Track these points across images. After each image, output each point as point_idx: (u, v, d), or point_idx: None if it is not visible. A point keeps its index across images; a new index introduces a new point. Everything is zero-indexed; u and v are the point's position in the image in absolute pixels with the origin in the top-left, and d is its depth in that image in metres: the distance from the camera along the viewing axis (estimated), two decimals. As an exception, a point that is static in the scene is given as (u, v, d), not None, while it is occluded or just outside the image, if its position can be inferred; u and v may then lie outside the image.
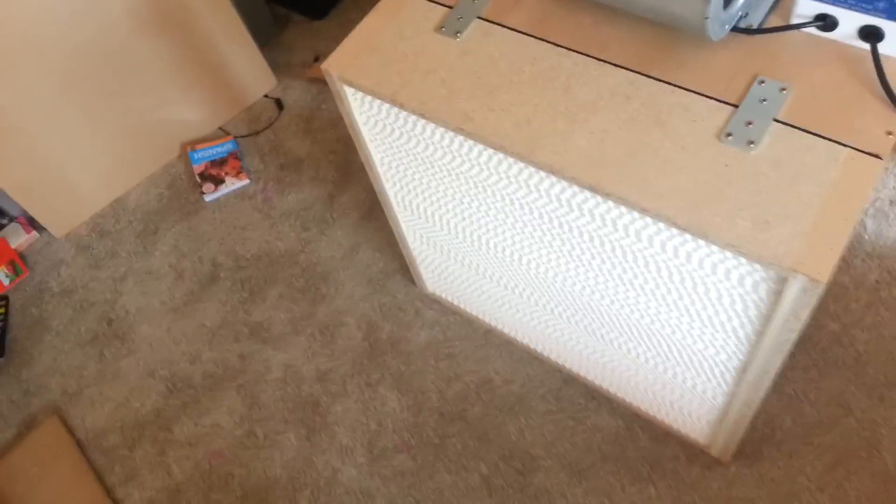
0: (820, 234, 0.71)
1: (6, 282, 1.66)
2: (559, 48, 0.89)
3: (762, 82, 0.80)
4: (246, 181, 1.70)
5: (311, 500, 1.30)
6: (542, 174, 0.86)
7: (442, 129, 0.91)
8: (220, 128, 1.80)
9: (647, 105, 0.82)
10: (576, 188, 0.84)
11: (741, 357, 0.92)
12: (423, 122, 0.93)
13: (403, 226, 1.26)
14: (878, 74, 0.77)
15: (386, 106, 0.95)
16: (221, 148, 1.74)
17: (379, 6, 0.98)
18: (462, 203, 1.05)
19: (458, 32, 0.92)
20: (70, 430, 1.46)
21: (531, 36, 0.90)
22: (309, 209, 1.64)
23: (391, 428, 1.35)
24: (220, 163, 1.72)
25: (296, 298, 1.53)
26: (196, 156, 1.73)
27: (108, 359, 1.53)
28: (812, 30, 0.82)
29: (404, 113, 0.94)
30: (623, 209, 0.81)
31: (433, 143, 0.96)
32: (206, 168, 1.71)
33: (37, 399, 1.51)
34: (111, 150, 1.67)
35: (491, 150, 0.88)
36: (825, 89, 0.79)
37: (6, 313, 1.62)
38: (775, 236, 0.72)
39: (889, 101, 0.76)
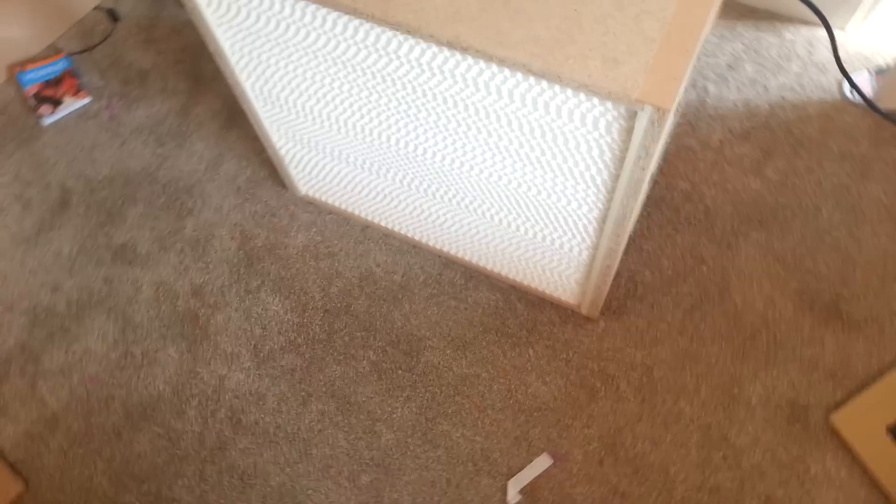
0: (663, 67, 0.76)
1: None
2: None
3: (602, -70, 0.83)
4: (87, 99, 1.57)
5: (200, 408, 1.28)
6: (400, 37, 0.85)
7: (292, 0, 0.88)
8: (51, 45, 1.65)
9: (496, -42, 0.83)
10: (434, 48, 0.84)
11: (600, 206, 0.98)
12: (271, -7, 0.89)
13: (266, 123, 1.22)
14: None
15: (230, -20, 0.90)
16: (55, 66, 1.59)
17: None
18: (323, 86, 1.03)
19: None
20: (-79, 381, 1.34)
21: None
22: (161, 123, 1.55)
23: (276, 330, 1.34)
24: (55, 83, 1.58)
25: (159, 216, 1.46)
26: (26, 77, 1.58)
27: (-46, 302, 1.41)
28: None
29: (251, -15, 0.89)
30: (482, 64, 0.83)
31: (285, 18, 0.92)
32: (41, 89, 1.57)
33: None
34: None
35: (346, 17, 0.87)
36: (659, -67, 0.82)
37: None
38: (623, 73, 0.76)
39: (715, -60, 0.80)
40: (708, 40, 1.53)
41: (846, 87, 1.47)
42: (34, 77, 1.58)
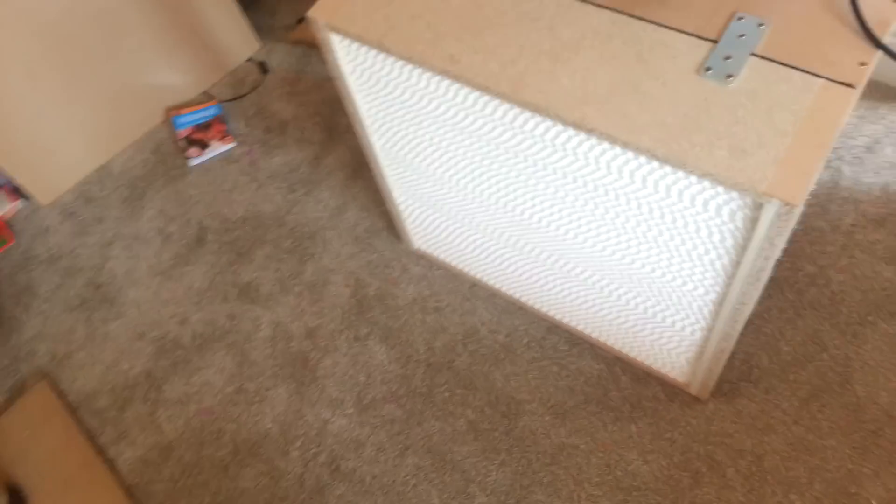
0: (794, 161, 0.74)
1: (-9, 249, 1.66)
2: (541, -9, 0.91)
3: (741, 18, 0.83)
4: (231, 144, 1.70)
5: (303, 449, 1.33)
6: (528, 114, 0.88)
7: (429, 74, 0.93)
8: (205, 92, 1.80)
9: (628, 43, 0.85)
10: (560, 126, 0.86)
11: (718, 290, 0.96)
12: (409, 67, 0.94)
13: (390, 180, 1.28)
14: (853, 7, 0.80)
15: (373, 53, 0.97)
16: (206, 112, 1.74)
17: (363, -45, 0.99)
18: (448, 151, 1.07)
19: (441, -22, 0.94)
20: (60, 394, 1.47)
21: (514, -20, 0.92)
22: (295, 171, 1.65)
23: (380, 380, 1.38)
24: (204, 127, 1.72)
25: (283, 258, 1.54)
26: (180, 121, 1.73)
27: (96, 323, 1.54)
28: (785, -32, 0.84)
29: (391, 59, 0.95)
30: (606, 145, 0.84)
31: (420, 89, 0.97)
32: (191, 133, 1.71)
33: (26, 364, 1.52)
34: (95, 117, 1.67)
35: (477, 93, 0.91)
36: (801, 23, 0.82)
37: (-8, 280, 1.62)
38: (751, 164, 0.75)
39: (863, 34, 0.79)
40: (847, 121, 1.48)
41: None
42: (187, 121, 1.73)
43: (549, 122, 0.87)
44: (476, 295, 1.44)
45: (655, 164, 0.82)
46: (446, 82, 0.93)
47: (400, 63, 0.95)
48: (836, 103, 0.77)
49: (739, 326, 1.00)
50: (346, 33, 0.94)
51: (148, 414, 1.42)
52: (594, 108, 0.82)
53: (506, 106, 0.90)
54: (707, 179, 0.78)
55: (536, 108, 0.84)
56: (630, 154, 0.83)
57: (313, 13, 0.96)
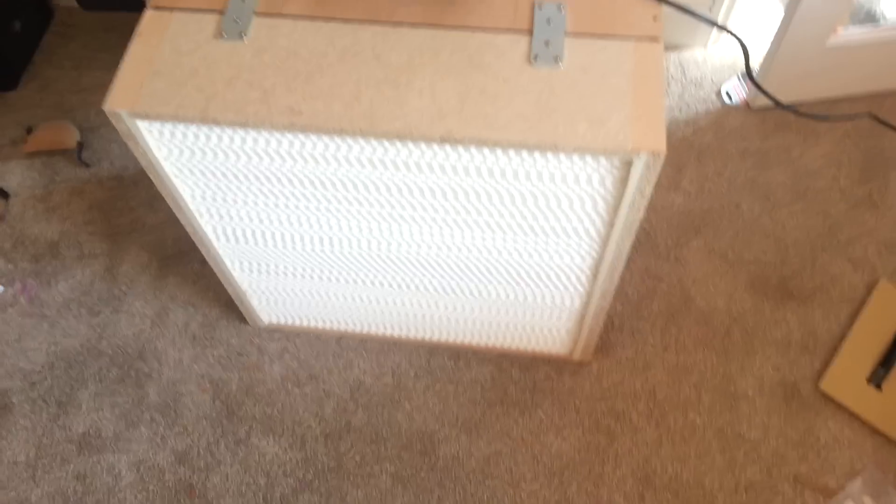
0: (644, 115, 0.82)
1: None
2: (351, 23, 0.89)
3: (541, 7, 0.89)
4: (-4, 289, 1.44)
5: (232, 580, 1.17)
6: (386, 145, 0.86)
7: (266, 134, 0.87)
8: (-66, 242, 1.51)
9: (456, 52, 0.87)
10: (422, 148, 0.86)
11: (594, 255, 1.03)
12: (242, 133, 0.88)
13: (227, 260, 1.17)
14: (629, -24, 0.90)
15: (192, 129, 0.88)
16: (-54, 264, 1.45)
17: (140, 30, 0.90)
18: (296, 208, 1.02)
19: (241, 33, 0.88)
20: None
21: (318, 18, 0.90)
22: (88, 292, 1.44)
23: (281, 473, 1.26)
24: (-49, 281, 1.43)
25: (116, 390, 1.34)
26: (-83, 283, 1.42)
27: None
28: (562, -46, 0.92)
29: (217, 130, 0.88)
30: (473, 151, 0.85)
31: (256, 152, 0.91)
32: (-63, 292, 1.42)
33: None
34: None
35: (325, 139, 0.87)
36: (593, 1, 0.90)
37: None
38: (612, 129, 0.81)
39: (644, -4, 0.89)
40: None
41: (724, 93, 1.64)
42: (-75, 282, 1.43)
43: (409, 147, 0.86)
44: (346, 347, 1.37)
45: (523, 154, 0.85)
46: (289, 137, 0.88)
47: (230, 131, 0.88)
48: (651, 56, 0.86)
49: (616, 281, 1.08)
50: (159, 116, 0.85)
51: None
52: (455, 120, 0.83)
53: (359, 145, 0.87)
54: (578, 154, 0.82)
55: (398, 136, 0.83)
56: (499, 152, 0.85)
57: (110, 105, 0.85)
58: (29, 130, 1.61)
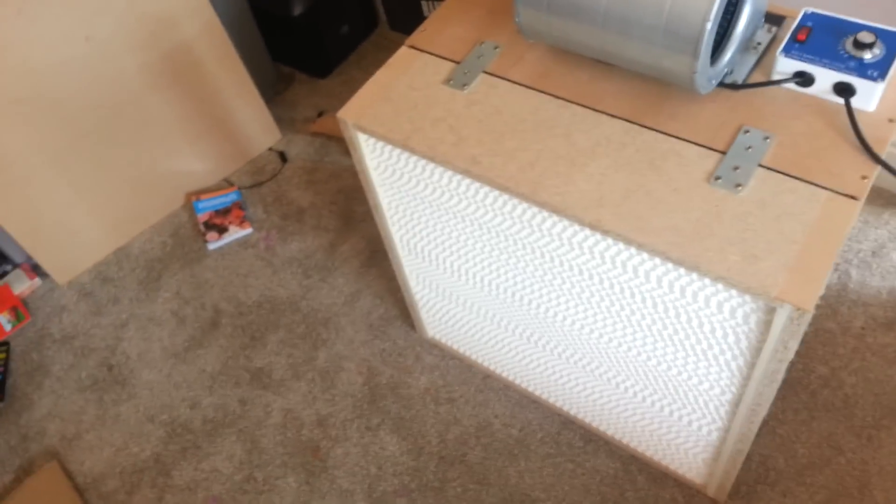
0: (803, 267, 0.77)
1: (8, 327, 1.67)
2: (559, 100, 0.96)
3: (747, 132, 0.87)
4: (249, 230, 1.75)
5: (312, 542, 1.30)
6: (545, 213, 0.91)
7: (450, 173, 0.97)
8: (225, 179, 1.86)
9: (641, 151, 0.89)
10: (577, 226, 0.89)
11: (734, 390, 0.96)
12: (432, 166, 0.99)
13: (407, 270, 1.30)
14: (852, 125, 0.84)
15: (397, 151, 1.01)
16: (225, 198, 1.79)
17: (391, 61, 1.05)
18: (466, 245, 1.11)
19: (464, 85, 1.00)
20: (69, 475, 1.45)
21: (533, 89, 0.98)
22: (310, 257, 1.68)
23: (391, 472, 1.36)
24: (223, 212, 1.77)
25: (296, 344, 1.56)
26: (200, 205, 1.78)
27: (107, 404, 1.54)
28: (791, 85, 0.89)
29: (415, 157, 1.00)
30: (622, 246, 0.87)
31: (441, 186, 1.01)
32: (210, 217, 1.76)
33: (35, 444, 1.51)
34: (117, 200, 1.72)
35: (497, 192, 0.94)
36: (805, 138, 0.86)
37: (7, 359, 1.63)
38: (763, 269, 0.77)
39: (863, 149, 0.83)
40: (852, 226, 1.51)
41: None
42: (207, 206, 1.78)
43: (565, 222, 0.90)
44: (489, 387, 1.44)
45: (670, 265, 0.84)
46: (467, 181, 0.97)
47: (423, 162, 0.99)
48: (840, 213, 0.80)
49: (755, 427, 1.00)
50: (372, 133, 0.99)
51: (156, 500, 1.40)
52: (609, 211, 0.85)
53: (524, 205, 0.93)
54: (720, 283, 0.80)
55: (554, 209, 0.87)
56: (645, 255, 0.86)
57: (342, 114, 1.01)
58: (320, 114, 1.91)
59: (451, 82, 1.01)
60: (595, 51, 0.91)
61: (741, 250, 0.79)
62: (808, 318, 0.75)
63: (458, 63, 1.03)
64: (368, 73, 2.03)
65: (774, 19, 0.96)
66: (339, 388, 1.48)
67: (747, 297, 0.80)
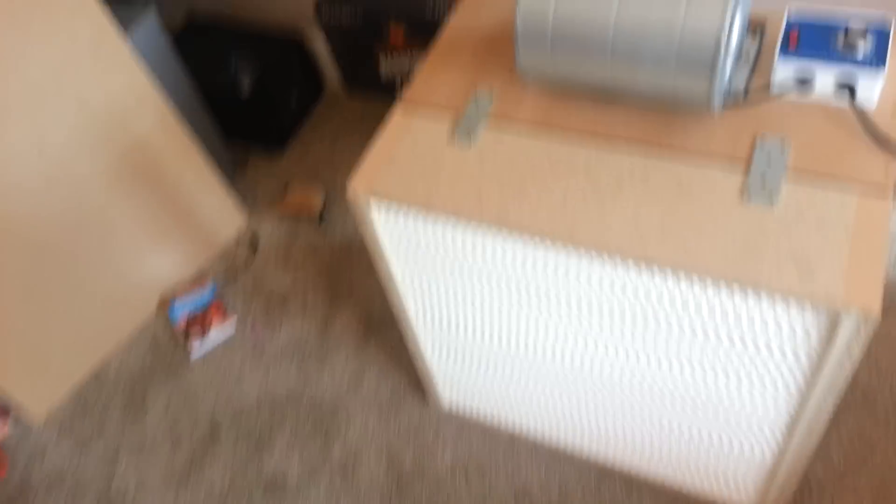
0: (859, 272, 0.76)
1: (-21, 479, 1.52)
2: (571, 139, 0.95)
3: (763, 143, 0.88)
4: (232, 328, 1.66)
5: None
6: (583, 261, 0.89)
7: (474, 231, 0.95)
8: (196, 274, 1.78)
9: (667, 179, 0.88)
10: (617, 268, 0.87)
11: (791, 411, 0.95)
12: (453, 227, 0.96)
13: (422, 340, 1.25)
14: (863, 123, 0.86)
15: (413, 217, 0.98)
16: (202, 295, 1.70)
17: (388, 125, 1.03)
18: (492, 307, 1.07)
19: (470, 137, 0.98)
20: None
21: (540, 131, 0.97)
22: (303, 344, 1.61)
23: (434, 559, 1.28)
24: (202, 313, 1.68)
25: (306, 443, 1.47)
26: (177, 308, 1.69)
27: (106, 544, 1.41)
28: (793, 94, 0.91)
29: (434, 223, 0.97)
30: (669, 280, 0.85)
31: (465, 247, 0.98)
32: (189, 321, 1.67)
33: None
34: (87, 318, 1.61)
35: (527, 247, 0.92)
36: (820, 142, 0.87)
37: (-17, 514, 1.48)
38: (822, 279, 0.77)
39: (878, 146, 0.85)
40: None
41: None
42: (183, 307, 1.68)
43: (604, 266, 0.88)
44: (518, 449, 1.38)
45: (722, 291, 0.83)
46: (492, 239, 0.94)
47: (443, 225, 0.96)
48: (877, 213, 0.80)
49: (814, 443, 0.98)
50: (389, 199, 0.96)
51: None
52: (654, 244, 0.83)
53: (557, 256, 0.91)
54: (782, 299, 0.79)
55: (595, 248, 0.85)
56: (694, 286, 0.84)
57: (354, 186, 0.97)
58: (285, 186, 1.87)
59: (457, 136, 0.99)
60: (602, 84, 0.91)
61: (795, 263, 0.79)
62: (874, 322, 0.75)
63: (457, 114, 1.01)
64: (326, 139, 2.00)
65: (755, 25, 0.98)
66: (362, 483, 1.39)
67: (807, 312, 0.79)
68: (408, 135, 1.01)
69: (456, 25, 1.14)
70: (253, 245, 1.80)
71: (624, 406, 1.13)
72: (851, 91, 0.87)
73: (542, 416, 1.29)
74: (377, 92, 1.99)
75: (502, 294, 1.03)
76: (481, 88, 1.03)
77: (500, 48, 1.08)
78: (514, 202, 0.91)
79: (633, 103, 0.97)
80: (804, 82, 0.89)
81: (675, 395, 1.04)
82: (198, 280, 1.77)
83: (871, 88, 0.86)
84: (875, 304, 0.74)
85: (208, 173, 1.72)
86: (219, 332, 1.65)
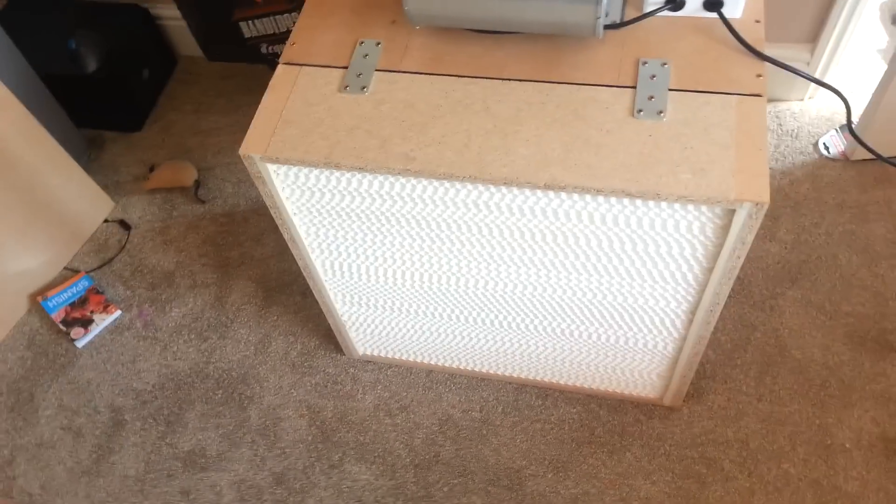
0: (747, 167, 0.84)
1: None
2: (464, 78, 0.96)
3: (645, 63, 0.94)
4: (117, 313, 1.56)
5: None
6: (493, 189, 0.92)
7: (381, 178, 0.94)
8: (67, 267, 1.65)
9: (562, 106, 0.92)
10: (527, 192, 0.91)
11: (690, 300, 1.04)
12: (359, 176, 0.95)
13: (332, 293, 1.24)
14: (732, 33, 0.93)
15: (315, 172, 0.96)
16: (76, 287, 1.58)
17: (272, 84, 0.99)
18: (403, 247, 1.08)
19: (363, 87, 0.96)
20: None
21: (433, 74, 0.97)
22: (199, 318, 1.55)
23: (372, 499, 1.31)
24: (80, 303, 1.56)
25: (220, 412, 1.43)
26: (50, 304, 1.56)
27: (19, 557, 1.32)
28: (665, 12, 0.97)
29: (337, 173, 0.95)
30: (576, 197, 0.90)
31: (371, 193, 0.98)
32: (67, 313, 1.55)
33: None
34: (-53, 327, 1.46)
35: (436, 182, 0.93)
36: (695, 56, 0.94)
37: None
38: (715, 178, 0.84)
39: (748, 52, 0.92)
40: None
41: (821, 146, 1.63)
42: (57, 302, 1.56)
43: (514, 191, 0.91)
44: (436, 381, 1.42)
45: (626, 202, 0.89)
46: (401, 181, 0.94)
47: (349, 175, 0.95)
48: (754, 111, 0.89)
49: (710, 329, 1.09)
50: (286, 160, 0.93)
51: None
52: (559, 168, 0.87)
53: (467, 188, 0.93)
54: (681, 202, 0.85)
55: (505, 181, 0.88)
56: (600, 199, 0.89)
57: (245, 150, 0.94)
58: (151, 168, 1.75)
59: (348, 88, 0.97)
60: (491, 19, 0.92)
61: (689, 168, 0.85)
62: (765, 210, 0.83)
63: (345, 68, 0.99)
64: (188, 109, 1.88)
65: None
66: (286, 439, 1.39)
67: (704, 209, 0.87)
68: (296, 92, 0.98)
69: (325, -33, 1.10)
70: (124, 227, 1.68)
71: (535, 322, 1.19)
72: (719, 4, 0.94)
73: (457, 347, 1.33)
74: (242, 56, 1.87)
75: (412, 232, 1.04)
76: (366, 41, 1.01)
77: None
78: (418, 145, 0.91)
79: (519, 42, 0.98)
80: (675, 2, 0.95)
81: (584, 305, 1.11)
82: (71, 272, 1.64)
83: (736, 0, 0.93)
84: (764, 195, 0.82)
85: (64, 159, 1.57)
86: (102, 317, 1.55)
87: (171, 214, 1.70)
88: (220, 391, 1.45)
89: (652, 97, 0.91)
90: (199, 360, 1.50)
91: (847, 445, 1.29)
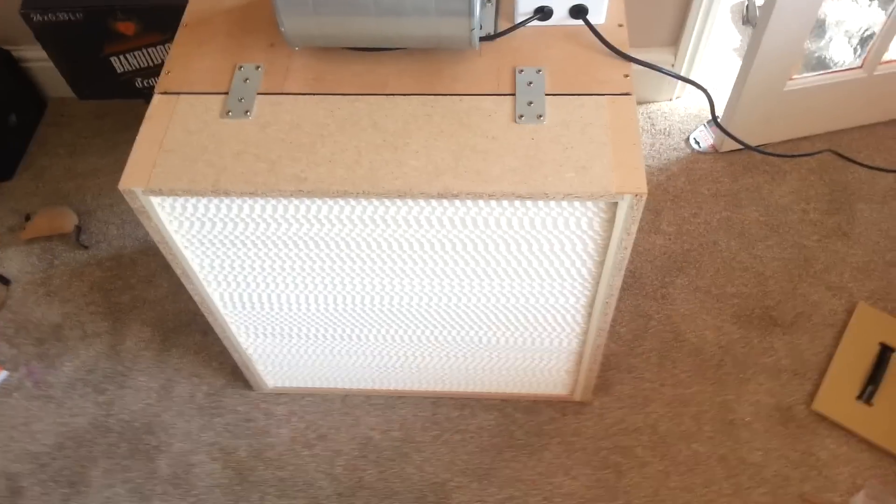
0: (624, 162, 0.89)
1: None
2: (349, 96, 0.97)
3: (521, 71, 0.97)
4: (3, 374, 1.46)
5: None
6: (387, 203, 0.92)
7: (273, 201, 0.93)
8: (-62, 332, 1.52)
9: (447, 116, 0.94)
10: (421, 203, 0.92)
11: (587, 293, 1.08)
12: (250, 201, 0.93)
13: (233, 327, 1.21)
14: (598, 38, 0.98)
15: (203, 201, 0.94)
16: (-50, 353, 1.47)
17: (149, 115, 0.96)
18: (303, 270, 1.06)
19: (247, 112, 0.95)
20: None
21: (317, 94, 0.97)
22: (94, 370, 1.46)
23: (297, 535, 1.27)
24: (-44, 369, 1.45)
25: (127, 466, 1.35)
26: (-78, 373, 1.44)
27: None
28: (535, 22, 1.01)
29: (227, 200, 0.93)
30: (469, 203, 0.92)
31: (264, 218, 0.96)
32: (-58, 381, 1.43)
33: None
34: None
35: (330, 201, 0.93)
36: (567, 62, 0.98)
37: None
38: (596, 175, 0.88)
39: (614, 55, 0.98)
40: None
41: (692, 141, 1.74)
42: (-70, 372, 1.44)
43: (409, 203, 0.92)
44: (352, 405, 1.40)
45: (516, 203, 0.91)
46: (294, 202, 0.93)
47: (239, 201, 0.93)
48: (625, 109, 0.94)
49: (609, 320, 1.13)
50: (171, 191, 0.90)
51: None
52: (451, 176, 0.89)
53: (362, 202, 0.93)
54: (567, 200, 0.89)
55: (399, 194, 0.89)
56: (492, 204, 0.92)
57: (126, 185, 0.90)
58: (27, 218, 1.65)
59: (231, 113, 0.95)
60: (369, 37, 0.93)
61: (572, 166, 0.89)
62: (644, 200, 0.88)
63: (226, 94, 0.98)
64: (62, 152, 1.79)
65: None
66: (200, 486, 1.33)
67: (589, 204, 0.91)
68: (175, 121, 0.95)
69: (196, 8, 1.08)
70: (4, 281, 1.57)
71: (444, 333, 1.21)
72: (584, 12, 0.99)
73: (370, 367, 1.32)
74: (115, 93, 1.80)
75: (310, 254, 1.03)
76: (245, 65, 1.00)
77: (253, 23, 1.05)
78: (308, 165, 0.91)
79: (399, 58, 1.00)
80: (544, 12, 0.99)
81: (489, 310, 1.13)
82: (-61, 331, 1.52)
83: (599, 6, 0.99)
84: (642, 186, 0.87)
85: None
86: (-16, 381, 1.44)
87: (53, 264, 1.61)
88: (125, 444, 1.38)
89: (531, 102, 0.94)
90: (99, 414, 1.41)
91: (747, 419, 1.36)
